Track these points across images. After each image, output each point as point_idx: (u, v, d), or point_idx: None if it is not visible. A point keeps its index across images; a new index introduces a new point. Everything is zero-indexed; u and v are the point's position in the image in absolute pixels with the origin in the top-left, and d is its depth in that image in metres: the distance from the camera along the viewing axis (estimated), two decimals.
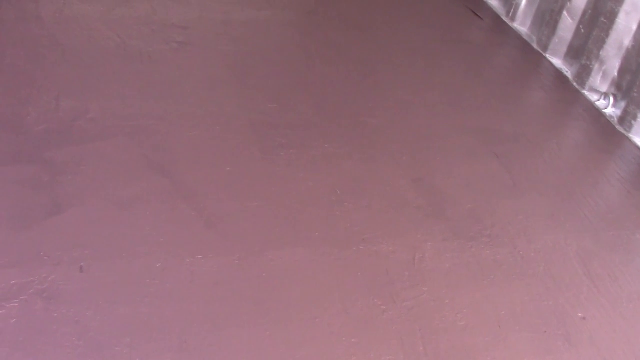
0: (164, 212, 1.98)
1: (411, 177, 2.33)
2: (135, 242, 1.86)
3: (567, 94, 3.06)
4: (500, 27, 3.55)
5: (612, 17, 2.86)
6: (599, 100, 2.95)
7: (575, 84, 3.09)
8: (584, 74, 3.03)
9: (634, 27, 2.81)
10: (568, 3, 3.11)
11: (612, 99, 2.91)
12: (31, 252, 1.76)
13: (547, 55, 3.27)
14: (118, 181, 2.06)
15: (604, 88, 2.97)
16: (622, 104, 2.86)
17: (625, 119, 2.82)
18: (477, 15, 3.62)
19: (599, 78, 2.98)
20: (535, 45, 3.35)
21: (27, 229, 1.83)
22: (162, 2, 3.15)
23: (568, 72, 3.17)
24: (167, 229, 1.92)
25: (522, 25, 3.50)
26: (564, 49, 3.20)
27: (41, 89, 2.39)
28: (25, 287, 1.66)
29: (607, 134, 2.82)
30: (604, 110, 2.93)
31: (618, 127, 2.85)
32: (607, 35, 2.89)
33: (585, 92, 3.02)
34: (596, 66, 2.96)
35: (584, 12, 3.06)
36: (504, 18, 3.59)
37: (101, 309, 1.65)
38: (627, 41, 2.85)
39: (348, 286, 1.86)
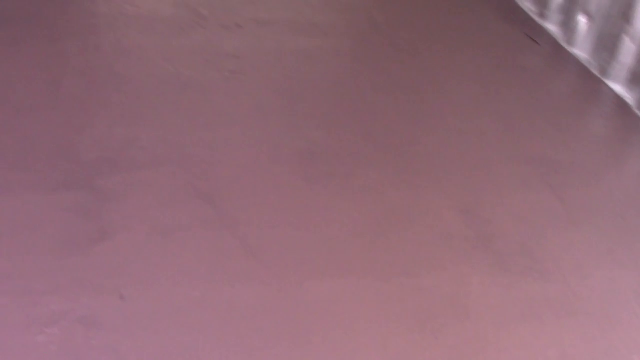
0: (206, 240, 1.99)
1: (459, 207, 2.27)
2: (176, 271, 1.87)
3: (629, 121, 2.93)
4: (558, 53, 3.45)
5: None
6: None
7: (637, 110, 2.96)
8: None
9: None
10: (629, 27, 2.99)
11: None
12: (74, 278, 1.80)
13: (608, 81, 3.15)
14: (163, 209, 2.09)
15: None
16: None
17: None
18: (534, 40, 3.53)
19: None
20: (594, 71, 3.24)
21: (72, 255, 1.87)
22: (217, 32, 3.22)
23: (630, 98, 3.04)
24: (208, 258, 1.93)
25: (581, 50, 3.39)
26: (625, 74, 3.07)
27: (96, 117, 2.47)
28: (66, 314, 1.69)
29: None
30: None
31: None
32: None
33: None
34: None
35: None
36: (562, 43, 3.49)
37: (140, 338, 1.66)
38: None
39: (389, 320, 1.81)
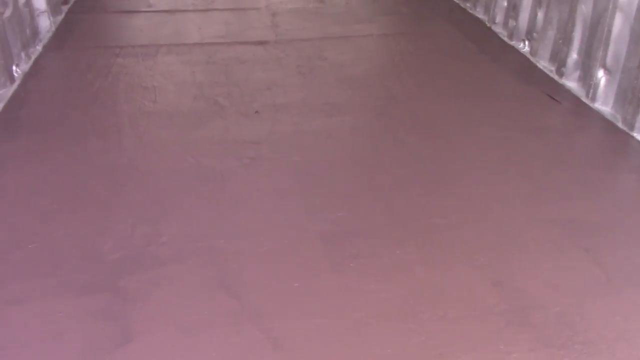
0: (230, 335, 1.94)
1: (490, 280, 2.19)
2: None
3: None
4: (580, 110, 3.40)
5: None
6: None
7: None
8: None
9: None
10: None
11: None
12: None
13: (635, 134, 3.07)
14: (186, 306, 2.06)
15: None
16: None
17: None
18: (555, 99, 3.50)
19: None
20: (620, 125, 3.17)
21: None
22: (235, 120, 3.27)
23: None
24: (233, 354, 1.88)
25: (604, 105, 3.33)
26: None
27: (118, 217, 2.49)
28: None
29: None
30: None
31: None
32: None
33: None
34: None
35: None
36: (584, 99, 3.44)
37: None
38: None
39: None
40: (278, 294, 2.12)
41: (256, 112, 3.34)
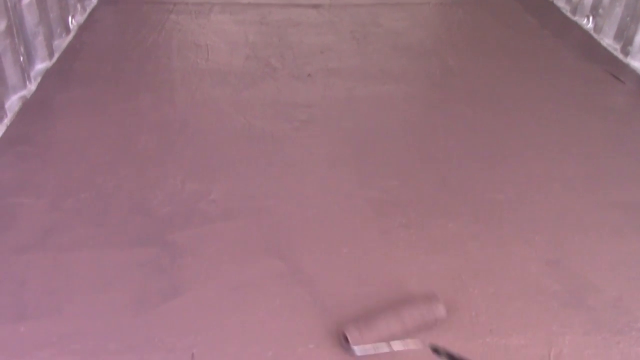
0: (278, 297, 1.93)
1: (545, 259, 2.12)
2: (247, 329, 1.81)
3: None
4: None
5: None
6: None
7: None
8: None
9: None
10: None
11: None
12: (147, 337, 1.77)
13: None
14: (235, 264, 2.05)
15: None
16: None
17: None
18: (618, 78, 3.35)
19: None
20: None
21: (144, 313, 1.85)
22: (287, 82, 3.22)
23: None
24: (280, 315, 1.86)
25: None
26: None
27: (169, 172, 2.48)
28: None
29: None
30: None
31: None
32: None
33: None
34: None
35: None
36: None
37: None
38: None
39: None
40: (326, 258, 2.09)
41: (309, 75, 3.29)
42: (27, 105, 2.90)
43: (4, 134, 2.69)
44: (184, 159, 2.58)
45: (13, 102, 2.87)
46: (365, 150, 2.69)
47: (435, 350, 1.65)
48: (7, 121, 2.75)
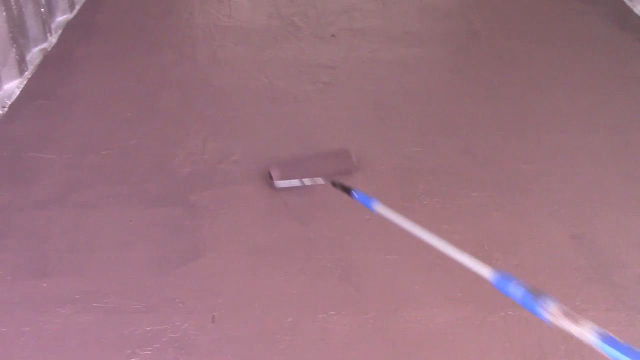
0: (298, 262, 1.92)
1: (571, 233, 2.09)
2: (268, 294, 1.81)
3: None
4: None
5: None
6: None
7: None
8: None
9: None
10: None
11: None
12: (167, 297, 1.77)
13: None
14: (255, 227, 2.04)
15: None
16: None
17: None
18: None
19: None
20: None
21: (165, 273, 1.85)
22: (310, 42, 3.16)
23: None
24: (300, 281, 1.86)
25: None
26: None
27: (190, 131, 2.46)
28: (158, 335, 1.66)
29: None
30: None
31: None
32: None
33: None
34: None
35: None
36: None
37: None
38: None
39: (493, 357, 1.67)
40: (347, 225, 2.07)
41: (332, 35, 3.22)
42: (48, 58, 2.87)
43: (25, 87, 2.67)
44: (205, 117, 2.55)
45: (34, 55, 2.84)
46: (388, 114, 2.65)
47: (333, 184, 2.00)
48: (27, 74, 2.73)
